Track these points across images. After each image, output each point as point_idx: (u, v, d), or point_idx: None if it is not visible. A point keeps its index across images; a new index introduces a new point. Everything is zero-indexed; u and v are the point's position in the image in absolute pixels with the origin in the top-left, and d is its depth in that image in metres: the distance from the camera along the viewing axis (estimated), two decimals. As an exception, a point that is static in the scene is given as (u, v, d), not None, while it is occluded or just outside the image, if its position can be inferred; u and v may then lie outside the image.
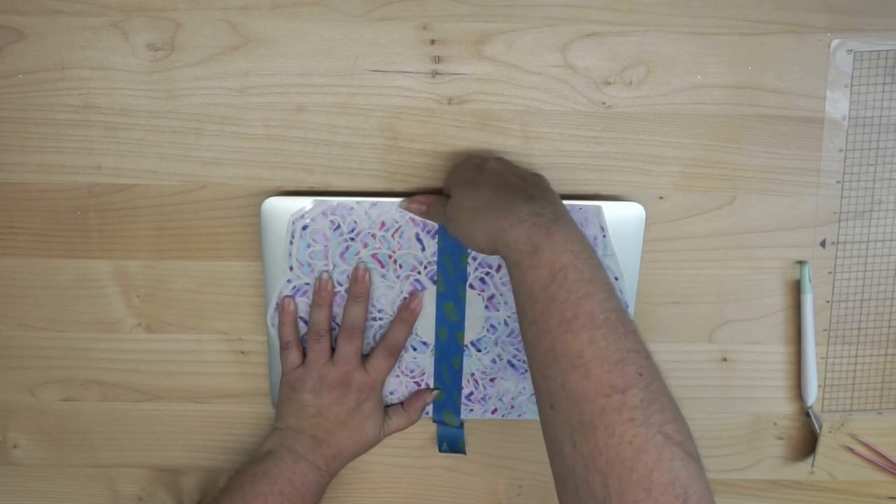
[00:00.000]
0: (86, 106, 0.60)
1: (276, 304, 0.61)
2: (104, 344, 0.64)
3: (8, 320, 0.64)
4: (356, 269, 0.60)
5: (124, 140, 0.61)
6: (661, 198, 0.62)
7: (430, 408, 0.64)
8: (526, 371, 0.63)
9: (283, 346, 0.61)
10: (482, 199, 0.51)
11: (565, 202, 0.59)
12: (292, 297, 0.61)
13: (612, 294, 0.45)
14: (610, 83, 0.60)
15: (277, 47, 0.59)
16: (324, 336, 0.60)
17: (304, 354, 0.61)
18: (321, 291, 0.60)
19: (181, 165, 0.61)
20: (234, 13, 0.59)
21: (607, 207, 0.60)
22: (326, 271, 0.60)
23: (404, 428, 0.63)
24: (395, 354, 0.61)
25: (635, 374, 0.43)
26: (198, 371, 0.65)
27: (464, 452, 0.65)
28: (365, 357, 0.61)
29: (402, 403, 0.63)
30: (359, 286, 0.60)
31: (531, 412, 0.64)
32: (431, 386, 0.64)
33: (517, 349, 0.63)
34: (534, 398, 0.63)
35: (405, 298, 0.61)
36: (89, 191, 0.62)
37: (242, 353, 0.64)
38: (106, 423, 0.66)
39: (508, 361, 0.63)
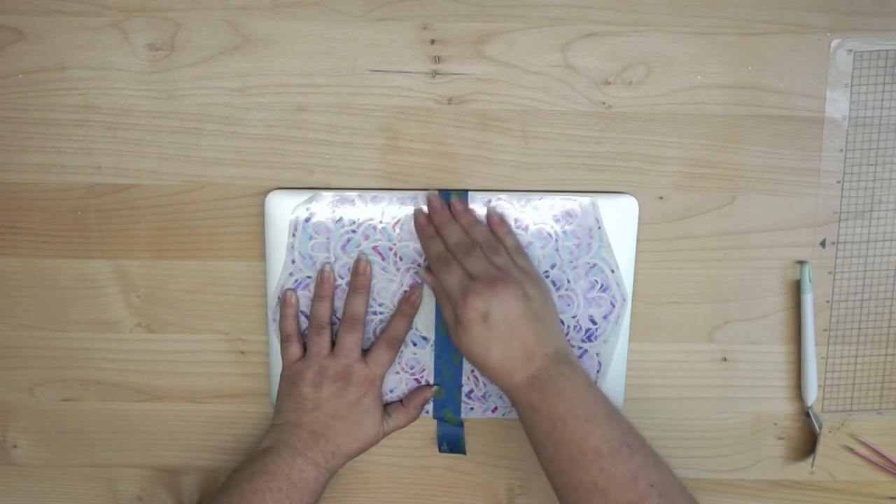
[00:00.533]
0: (86, 106, 0.60)
1: (279, 297, 0.61)
2: (104, 344, 0.64)
3: (8, 320, 0.64)
4: (357, 260, 0.60)
5: (124, 140, 0.61)
6: (661, 198, 0.62)
7: (429, 406, 0.64)
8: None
9: (284, 339, 0.61)
10: (489, 361, 0.54)
11: (563, 196, 0.60)
12: (294, 289, 0.61)
13: (612, 421, 0.52)
14: (610, 83, 0.60)
15: (277, 47, 0.59)
16: (325, 329, 0.60)
17: (305, 348, 0.61)
18: (323, 284, 0.60)
19: (181, 165, 0.61)
20: (234, 13, 0.59)
21: (601, 200, 0.60)
22: (329, 263, 0.60)
23: (404, 425, 0.63)
24: (396, 347, 0.61)
25: (647, 486, 0.50)
26: (198, 371, 0.65)
27: (464, 453, 0.65)
28: (365, 350, 0.61)
29: (401, 401, 0.63)
30: (360, 278, 0.60)
31: None
32: (431, 383, 0.64)
33: None
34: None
35: (405, 292, 0.61)
36: (89, 191, 0.62)
37: (242, 353, 0.64)
38: (106, 423, 0.66)
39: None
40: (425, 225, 0.60)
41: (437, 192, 0.60)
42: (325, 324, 0.60)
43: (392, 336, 0.61)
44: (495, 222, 0.60)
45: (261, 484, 0.56)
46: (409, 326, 0.62)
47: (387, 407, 0.63)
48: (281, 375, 0.61)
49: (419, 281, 0.62)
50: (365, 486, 0.67)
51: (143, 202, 0.62)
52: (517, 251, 0.59)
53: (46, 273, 0.63)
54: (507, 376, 0.54)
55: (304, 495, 0.57)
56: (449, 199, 0.60)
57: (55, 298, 0.63)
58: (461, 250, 0.57)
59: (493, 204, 0.61)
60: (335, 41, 0.59)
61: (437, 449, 0.66)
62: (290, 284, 0.61)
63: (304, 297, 0.62)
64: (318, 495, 0.59)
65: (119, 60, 0.59)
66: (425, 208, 0.60)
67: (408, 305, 0.61)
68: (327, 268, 0.60)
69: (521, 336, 0.54)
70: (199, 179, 0.61)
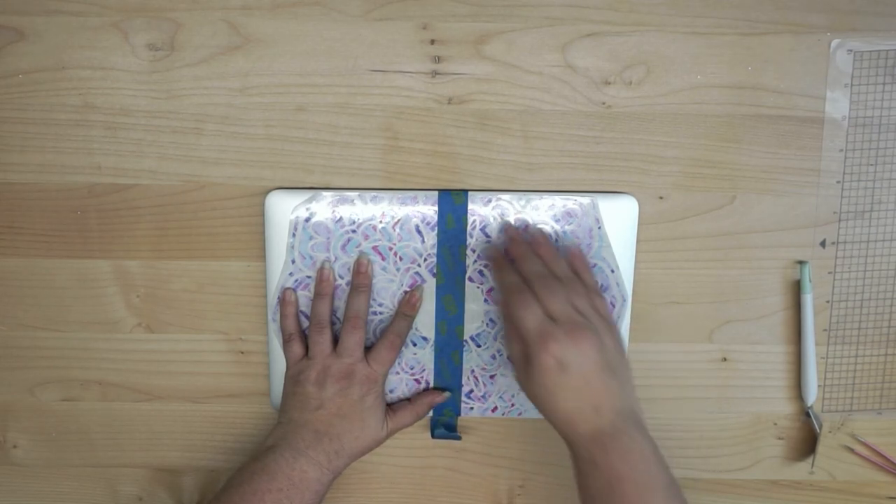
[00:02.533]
0: (86, 106, 0.60)
1: (278, 297, 0.61)
2: (104, 344, 0.64)
3: (8, 320, 0.64)
4: (359, 259, 0.60)
5: (124, 140, 0.61)
6: (660, 198, 0.62)
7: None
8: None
9: (286, 339, 0.61)
10: (560, 410, 0.52)
11: (562, 196, 0.60)
12: (293, 288, 0.61)
13: (670, 494, 0.50)
14: (610, 83, 0.60)
15: (277, 47, 0.59)
16: (326, 328, 0.60)
17: (307, 347, 0.61)
18: (322, 282, 0.60)
19: (181, 165, 0.61)
20: (234, 13, 0.59)
21: (601, 200, 0.60)
22: (328, 261, 0.61)
23: (409, 424, 0.62)
24: (398, 347, 0.61)
25: None
26: (198, 371, 0.65)
27: (458, 437, 0.65)
28: (367, 350, 0.61)
29: (408, 399, 0.63)
30: (361, 277, 0.60)
31: (532, 410, 0.64)
32: (431, 383, 0.64)
33: None
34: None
35: (406, 292, 0.61)
36: (89, 191, 0.62)
37: (242, 353, 0.64)
38: (106, 423, 0.66)
39: (509, 357, 0.63)
40: (497, 256, 0.59)
41: (510, 221, 0.60)
42: (325, 322, 0.60)
43: (394, 335, 0.61)
44: (575, 255, 0.58)
45: (261, 484, 0.56)
46: (411, 327, 0.62)
47: (392, 406, 0.63)
48: (285, 374, 0.61)
49: (419, 281, 0.62)
50: (366, 486, 0.67)
51: (143, 202, 0.62)
52: (596, 292, 0.57)
53: (46, 273, 0.63)
54: (573, 426, 0.52)
55: (305, 496, 0.57)
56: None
57: (55, 298, 0.63)
58: (541, 286, 0.54)
59: (536, 226, 0.60)
60: (335, 41, 0.59)
61: (437, 451, 0.66)
62: (289, 284, 0.61)
63: (303, 297, 0.62)
64: (320, 496, 0.58)
65: (119, 60, 0.59)
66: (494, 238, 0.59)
67: (408, 306, 0.61)
68: (327, 265, 0.60)
69: (594, 389, 0.51)
70: (199, 179, 0.61)
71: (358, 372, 0.59)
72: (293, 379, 0.60)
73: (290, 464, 0.57)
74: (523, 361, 0.53)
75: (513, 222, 0.61)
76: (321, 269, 0.61)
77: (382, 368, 0.60)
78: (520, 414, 0.65)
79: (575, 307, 0.53)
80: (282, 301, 0.61)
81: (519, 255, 0.57)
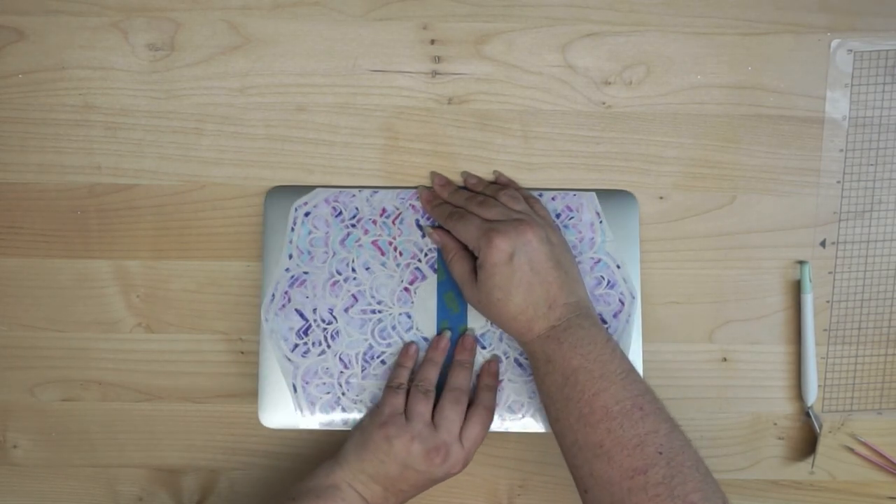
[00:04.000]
0: (86, 106, 0.60)
1: (272, 294, 0.61)
2: (104, 344, 0.64)
3: (8, 320, 0.64)
4: (465, 337, 0.60)
5: (124, 140, 0.61)
6: (661, 198, 0.62)
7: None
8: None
9: (394, 387, 0.58)
10: (510, 306, 0.53)
11: (560, 191, 0.60)
12: (417, 344, 0.61)
13: (628, 382, 0.50)
14: (610, 83, 0.60)
15: (277, 47, 0.59)
16: (431, 392, 0.57)
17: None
18: (437, 348, 0.59)
19: (181, 165, 0.61)
20: (234, 13, 0.59)
21: (601, 195, 0.61)
22: (450, 329, 0.60)
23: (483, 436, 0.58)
24: (489, 423, 0.58)
25: (655, 453, 0.47)
26: (198, 371, 0.65)
27: None
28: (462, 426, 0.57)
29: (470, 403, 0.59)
30: (466, 354, 0.59)
31: (539, 423, 0.63)
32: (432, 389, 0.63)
33: None
34: (541, 405, 0.62)
35: (456, 344, 0.60)
36: (89, 191, 0.62)
37: (242, 353, 0.64)
38: (106, 423, 0.66)
39: (515, 360, 0.62)
40: (432, 197, 0.59)
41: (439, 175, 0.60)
42: (432, 387, 0.57)
43: (485, 409, 0.57)
44: (506, 181, 0.60)
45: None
46: (495, 396, 0.59)
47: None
48: (374, 418, 0.57)
49: (419, 277, 0.61)
50: (365, 486, 0.67)
51: (143, 202, 0.62)
52: (535, 201, 0.58)
53: (46, 273, 0.63)
54: (527, 326, 0.52)
55: None
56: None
57: (55, 298, 0.63)
58: (475, 203, 0.56)
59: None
60: (335, 41, 0.59)
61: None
62: (285, 281, 0.61)
63: (300, 295, 0.61)
64: None
65: (119, 60, 0.59)
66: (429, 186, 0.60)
67: (465, 353, 0.59)
68: (447, 333, 0.60)
69: (544, 281, 0.52)
70: (199, 179, 0.61)
71: (452, 454, 0.56)
72: (385, 430, 0.56)
73: (342, 497, 0.55)
74: (470, 275, 0.55)
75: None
76: (441, 336, 0.60)
77: (474, 448, 0.57)
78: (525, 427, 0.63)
79: (514, 210, 0.55)
80: (404, 353, 0.60)
81: (448, 195, 0.59)
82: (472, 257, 0.56)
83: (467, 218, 0.55)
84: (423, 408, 0.56)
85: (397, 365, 0.60)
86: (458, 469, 0.57)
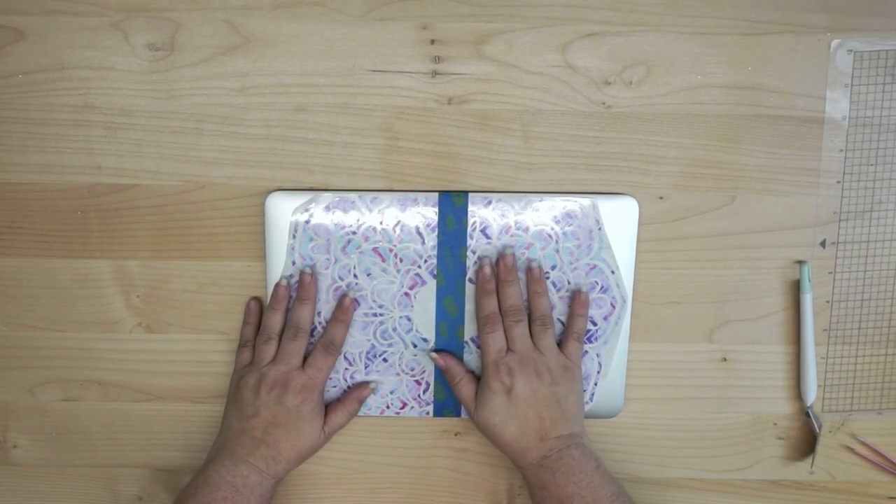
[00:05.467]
0: (86, 106, 0.60)
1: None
2: (104, 344, 0.64)
3: (8, 320, 0.64)
4: (303, 272, 0.61)
5: (124, 140, 0.61)
6: (660, 198, 0.62)
7: (430, 407, 0.64)
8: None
9: (241, 345, 0.62)
10: (505, 434, 0.58)
11: (563, 197, 0.60)
12: (258, 299, 0.62)
13: (619, 500, 0.56)
14: (610, 83, 0.60)
15: (277, 47, 0.59)
16: (272, 339, 0.60)
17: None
18: (277, 297, 0.61)
19: (181, 165, 0.61)
20: (234, 13, 0.59)
21: (601, 201, 0.60)
22: (286, 278, 0.61)
23: (345, 423, 0.62)
24: (334, 353, 0.61)
25: None
26: (198, 371, 0.65)
27: (458, 414, 0.65)
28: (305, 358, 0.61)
29: (340, 399, 0.63)
30: (304, 289, 0.61)
31: None
32: (431, 384, 0.64)
33: None
34: None
35: (340, 298, 0.61)
36: (89, 191, 0.62)
37: (242, 353, 0.64)
38: (106, 423, 0.66)
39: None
40: (488, 278, 0.60)
41: (511, 252, 0.61)
42: (274, 334, 0.61)
43: (328, 341, 0.61)
44: (580, 302, 0.61)
45: (205, 496, 0.56)
46: (346, 332, 0.62)
47: (327, 407, 0.62)
48: (231, 379, 0.62)
49: (419, 283, 0.62)
50: (366, 486, 0.67)
51: (143, 202, 0.62)
52: (575, 338, 0.61)
53: (46, 273, 0.63)
54: (521, 454, 0.58)
55: (251, 501, 0.57)
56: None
57: (55, 298, 0.63)
58: (513, 316, 0.59)
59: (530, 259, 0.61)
60: (335, 41, 0.59)
61: (437, 451, 0.66)
62: (293, 284, 0.61)
63: None
64: (265, 500, 0.58)
65: (119, 60, 0.59)
66: (487, 265, 0.61)
67: (342, 311, 0.61)
68: (284, 281, 0.61)
69: (539, 416, 0.58)
70: (199, 179, 0.61)
71: (293, 380, 0.59)
72: (235, 385, 0.61)
73: (230, 471, 0.57)
74: (475, 397, 0.60)
75: (513, 225, 0.61)
76: (277, 285, 0.61)
77: (320, 375, 0.60)
78: None
79: (537, 344, 0.59)
80: (246, 309, 0.62)
81: (503, 281, 0.60)
82: (477, 379, 0.61)
83: (496, 333, 0.59)
84: (263, 352, 0.60)
85: (243, 325, 0.63)
86: (307, 397, 0.59)
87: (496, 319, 0.60)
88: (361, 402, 0.63)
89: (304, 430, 0.59)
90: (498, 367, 0.59)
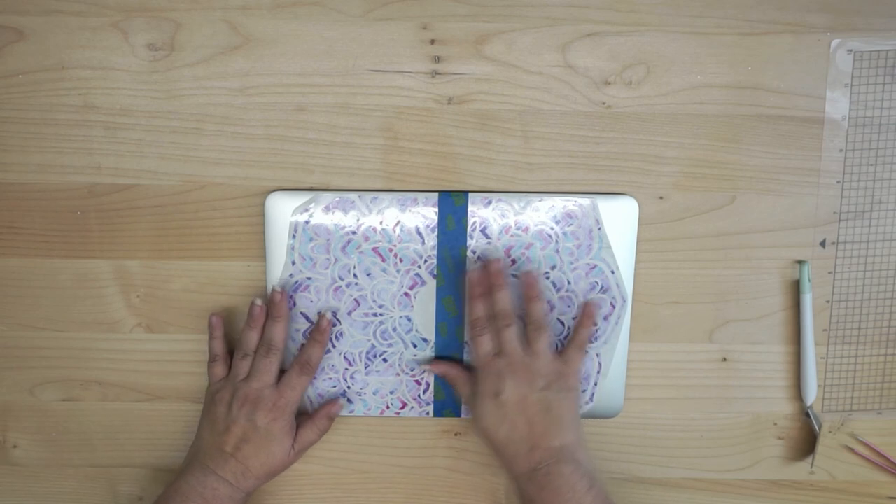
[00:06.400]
0: (86, 106, 0.60)
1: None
2: (104, 344, 0.64)
3: (8, 320, 0.64)
4: (273, 291, 0.61)
5: (124, 140, 0.61)
6: (660, 198, 0.62)
7: (430, 407, 0.64)
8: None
9: (211, 359, 0.62)
10: (496, 439, 0.58)
11: (563, 197, 0.60)
12: (220, 315, 0.62)
13: None
14: (610, 83, 0.60)
15: (277, 47, 0.59)
16: (248, 356, 0.61)
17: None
18: (253, 316, 0.61)
19: (181, 165, 0.61)
20: (234, 13, 0.59)
21: (601, 201, 0.60)
22: (260, 298, 0.61)
23: (315, 441, 0.62)
24: (309, 373, 0.61)
25: None
26: (198, 371, 0.65)
27: (458, 414, 0.65)
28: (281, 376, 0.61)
29: (309, 415, 0.62)
30: (276, 308, 0.61)
31: None
32: (431, 384, 0.64)
33: None
34: None
35: (317, 318, 0.61)
36: (89, 191, 0.62)
37: (242, 353, 0.64)
38: (106, 423, 0.66)
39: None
40: (476, 283, 0.60)
41: (498, 258, 0.60)
42: (250, 351, 0.61)
43: (304, 361, 0.61)
44: (588, 313, 0.61)
45: None
46: (323, 353, 0.62)
47: (298, 424, 0.61)
48: (206, 393, 0.62)
49: (419, 283, 0.62)
50: (366, 486, 0.67)
51: (143, 202, 0.62)
52: (578, 345, 0.60)
53: (46, 273, 0.63)
54: (511, 460, 0.57)
55: None
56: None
57: (55, 298, 0.63)
58: (502, 321, 0.58)
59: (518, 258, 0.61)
60: (335, 41, 0.59)
61: (437, 451, 0.66)
62: (289, 286, 0.61)
63: (303, 299, 0.62)
64: None
65: (119, 60, 0.59)
66: (477, 269, 0.60)
67: (319, 332, 0.61)
68: (259, 301, 0.61)
69: (529, 422, 0.57)
70: (199, 179, 0.61)
71: (265, 398, 0.59)
72: (209, 398, 0.61)
73: (201, 482, 0.57)
74: (472, 398, 0.60)
75: (513, 226, 0.61)
76: (252, 305, 0.61)
77: (292, 394, 0.60)
78: None
79: (530, 348, 0.58)
80: (210, 325, 0.62)
81: (494, 285, 0.59)
82: (475, 379, 0.60)
83: (484, 337, 0.59)
84: (238, 368, 0.60)
85: (210, 339, 0.62)
86: (278, 415, 0.59)
87: (483, 323, 0.59)
88: (332, 419, 0.63)
89: (273, 448, 0.59)
90: (486, 371, 0.58)
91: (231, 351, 0.62)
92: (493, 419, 0.57)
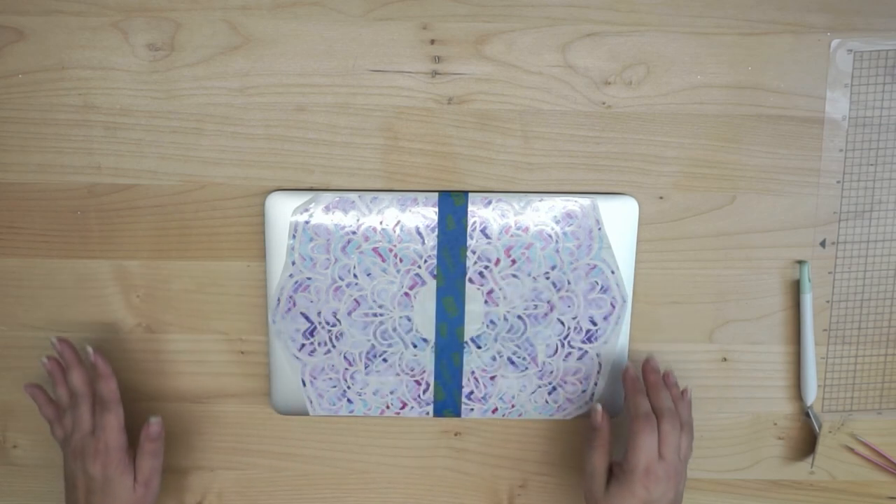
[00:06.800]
0: (86, 106, 0.60)
1: (278, 299, 0.61)
2: (104, 344, 0.64)
3: (8, 320, 0.64)
4: (51, 342, 0.60)
5: (124, 140, 0.61)
6: (660, 198, 0.62)
7: (430, 407, 0.64)
8: (526, 369, 0.63)
9: (49, 424, 0.61)
10: None
11: (563, 197, 0.60)
12: (35, 385, 0.61)
13: None
14: (610, 83, 0.60)
15: (277, 47, 0.59)
16: (66, 412, 0.60)
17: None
18: (52, 373, 0.60)
19: (181, 165, 0.61)
20: (234, 13, 0.59)
21: (601, 201, 0.60)
22: (47, 357, 0.60)
23: (159, 465, 0.60)
24: (112, 407, 0.58)
25: None
26: (198, 371, 0.65)
27: (458, 414, 0.65)
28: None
29: (138, 447, 0.60)
30: (64, 357, 0.60)
31: (532, 412, 0.65)
32: (431, 384, 0.64)
33: (517, 346, 0.63)
34: (534, 396, 0.63)
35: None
36: (89, 191, 0.62)
37: (242, 353, 0.64)
38: (106, 423, 0.66)
39: (508, 358, 0.63)
40: (636, 378, 0.60)
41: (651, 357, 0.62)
42: (65, 407, 0.60)
43: (100, 400, 0.58)
44: (686, 400, 0.61)
45: None
46: (115, 384, 0.59)
47: (136, 455, 0.60)
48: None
49: (419, 283, 0.62)
50: (366, 486, 0.67)
51: (143, 202, 0.62)
52: (691, 438, 0.60)
53: (46, 273, 0.63)
54: None
55: None
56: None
57: (55, 298, 0.63)
58: (668, 421, 0.58)
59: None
60: (335, 41, 0.59)
61: (437, 451, 0.66)
62: (290, 286, 0.61)
63: (304, 299, 0.62)
64: None
65: (119, 60, 0.59)
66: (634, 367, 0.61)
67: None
68: (44, 359, 0.60)
69: None
70: (199, 179, 0.61)
71: (87, 446, 0.58)
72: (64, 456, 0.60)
73: None
74: (604, 472, 0.59)
75: (513, 225, 0.61)
76: (43, 363, 0.60)
77: (110, 434, 0.58)
78: (520, 415, 0.65)
79: (678, 453, 0.58)
80: (32, 396, 0.61)
81: (653, 384, 0.60)
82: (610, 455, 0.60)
83: (651, 433, 0.57)
84: (65, 427, 0.60)
85: (39, 408, 0.61)
86: (107, 460, 0.58)
87: (653, 419, 0.58)
88: (155, 439, 0.60)
89: (116, 492, 0.58)
90: (648, 474, 0.57)
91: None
92: None
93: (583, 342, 0.63)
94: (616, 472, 0.59)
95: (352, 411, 0.64)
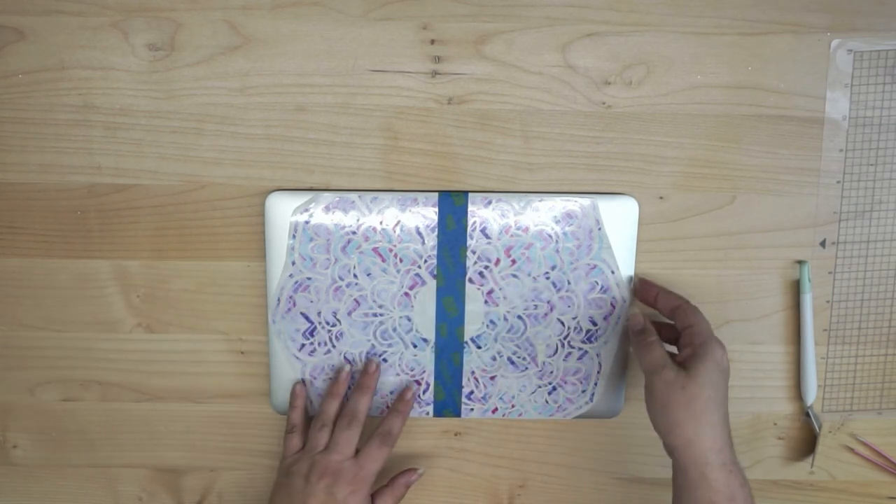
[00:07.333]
0: (86, 106, 0.60)
1: (278, 299, 0.61)
2: (104, 344, 0.64)
3: (8, 320, 0.64)
4: (369, 360, 0.62)
5: (124, 140, 0.61)
6: (660, 198, 0.62)
7: (430, 408, 0.64)
8: (526, 369, 0.63)
9: (288, 429, 0.62)
10: (709, 401, 0.53)
11: (563, 197, 0.61)
12: (304, 382, 0.63)
13: None
14: (610, 83, 0.60)
15: (277, 47, 0.59)
16: (327, 427, 0.60)
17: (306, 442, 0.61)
18: (338, 383, 0.62)
19: (181, 165, 0.61)
20: (234, 13, 0.59)
21: (601, 201, 0.60)
22: (350, 365, 0.62)
23: None
24: (390, 444, 0.60)
25: None
26: (198, 371, 0.65)
27: (458, 414, 0.65)
28: (360, 448, 0.60)
29: (387, 483, 0.61)
30: (367, 378, 0.61)
31: (532, 412, 0.65)
32: (431, 384, 0.64)
33: (517, 346, 0.63)
34: (534, 396, 0.63)
35: (402, 391, 0.62)
36: (89, 191, 0.62)
37: (242, 353, 0.64)
38: (106, 423, 0.66)
39: (508, 358, 0.63)
40: (650, 283, 0.61)
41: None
42: (329, 421, 0.60)
43: (385, 432, 0.60)
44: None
45: None
46: (404, 424, 0.61)
47: (374, 494, 0.60)
48: (280, 464, 0.61)
49: (419, 283, 0.62)
50: (365, 486, 0.67)
51: (143, 202, 0.62)
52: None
53: (46, 273, 0.63)
54: (709, 444, 0.53)
55: None
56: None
57: (55, 298, 0.63)
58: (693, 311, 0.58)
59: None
60: (335, 41, 0.59)
61: (437, 451, 0.66)
62: (290, 286, 0.61)
63: (304, 299, 0.62)
64: None
65: (119, 60, 0.59)
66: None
67: (402, 403, 0.61)
68: (347, 368, 0.62)
69: (726, 414, 0.54)
70: (199, 179, 0.61)
71: (345, 470, 0.58)
72: (286, 470, 0.59)
73: None
74: (666, 365, 0.55)
75: (513, 225, 0.61)
76: (339, 371, 0.62)
77: (373, 466, 0.59)
78: (520, 415, 0.65)
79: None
80: (291, 393, 0.62)
81: (661, 290, 0.60)
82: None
83: (699, 311, 0.57)
84: (316, 439, 0.60)
85: (290, 408, 0.63)
86: (357, 488, 0.58)
87: (653, 331, 0.59)
88: (408, 486, 0.62)
89: None
90: (721, 344, 0.55)
91: (308, 420, 0.62)
92: (714, 396, 0.54)
93: (583, 342, 0.63)
94: (684, 354, 0.56)
95: None
